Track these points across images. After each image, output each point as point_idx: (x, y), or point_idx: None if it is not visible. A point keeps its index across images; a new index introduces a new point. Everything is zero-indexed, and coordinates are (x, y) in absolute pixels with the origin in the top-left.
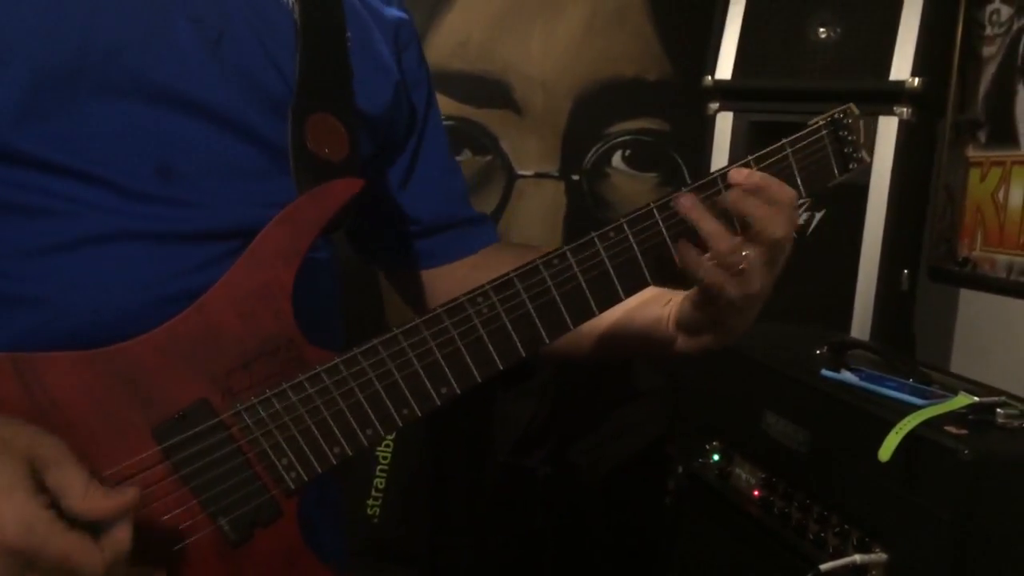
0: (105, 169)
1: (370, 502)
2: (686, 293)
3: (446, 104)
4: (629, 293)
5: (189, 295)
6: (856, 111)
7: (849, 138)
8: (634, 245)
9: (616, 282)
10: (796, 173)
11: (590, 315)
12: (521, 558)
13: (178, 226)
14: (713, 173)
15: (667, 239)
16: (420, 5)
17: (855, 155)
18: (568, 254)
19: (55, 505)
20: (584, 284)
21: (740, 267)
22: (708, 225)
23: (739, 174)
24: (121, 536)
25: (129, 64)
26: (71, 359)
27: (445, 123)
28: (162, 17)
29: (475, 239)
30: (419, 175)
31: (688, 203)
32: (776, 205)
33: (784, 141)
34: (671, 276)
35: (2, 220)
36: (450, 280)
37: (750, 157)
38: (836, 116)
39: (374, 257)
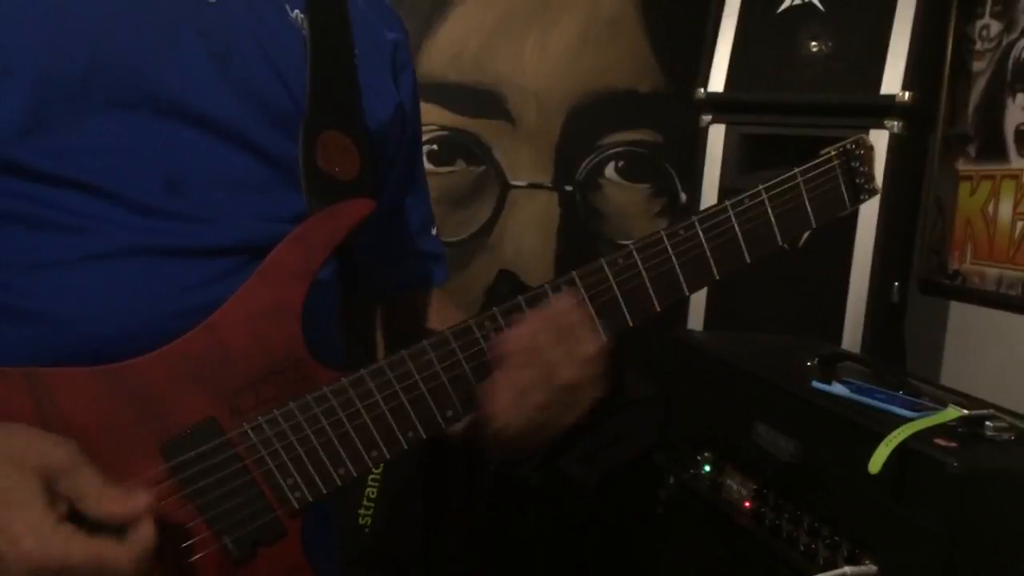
0: (113, 183)
1: (362, 512)
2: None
3: (440, 114)
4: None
5: (196, 311)
6: (868, 143)
7: (861, 169)
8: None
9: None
10: (807, 202)
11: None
12: (513, 567)
13: (185, 241)
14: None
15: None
16: (415, 16)
17: (866, 186)
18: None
19: (73, 511)
20: None
21: (542, 414)
22: (528, 372)
23: (563, 301)
24: (144, 533)
25: (137, 77)
26: (82, 375)
27: (439, 133)
28: (170, 31)
29: (429, 275)
30: (406, 201)
31: (516, 344)
32: (575, 348)
33: (796, 170)
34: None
35: (9, 233)
36: (402, 307)
37: (761, 186)
38: (848, 147)
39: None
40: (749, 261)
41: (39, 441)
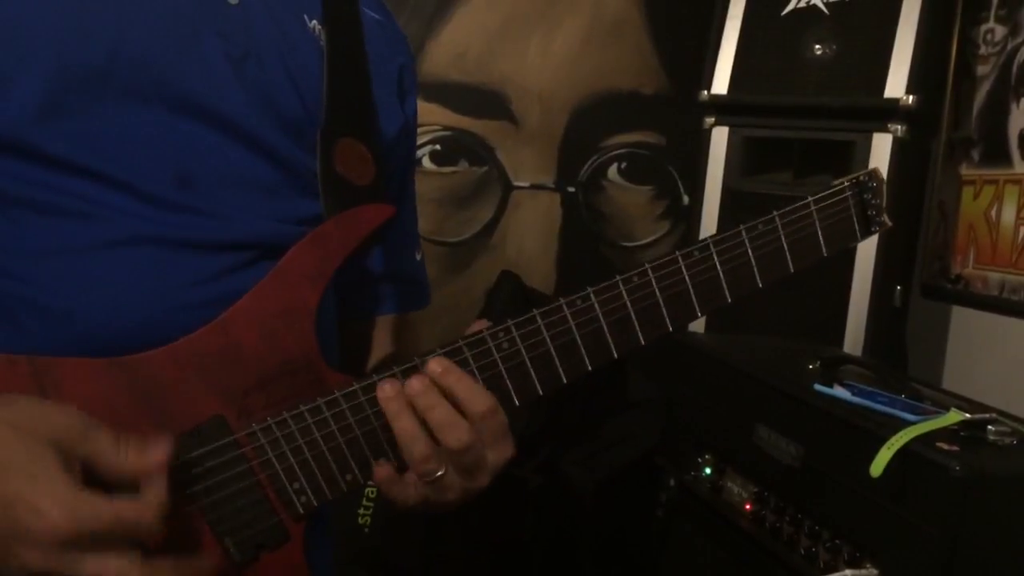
0: (125, 172)
1: (361, 511)
2: None
3: (444, 115)
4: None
5: (203, 304)
6: (881, 175)
7: (873, 201)
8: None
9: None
10: (819, 231)
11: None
12: (512, 568)
13: (194, 234)
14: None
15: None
16: (419, 16)
17: (878, 218)
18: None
19: (90, 477)
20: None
21: (432, 479)
22: (402, 423)
23: (437, 364)
24: (159, 489)
25: (155, 72)
26: (89, 366)
27: (442, 134)
28: (191, 29)
29: (409, 301)
30: (395, 223)
31: (388, 392)
32: (465, 413)
33: (809, 199)
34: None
35: (19, 218)
36: (370, 334)
37: (775, 213)
38: (861, 179)
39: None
40: (761, 286)
41: (45, 411)
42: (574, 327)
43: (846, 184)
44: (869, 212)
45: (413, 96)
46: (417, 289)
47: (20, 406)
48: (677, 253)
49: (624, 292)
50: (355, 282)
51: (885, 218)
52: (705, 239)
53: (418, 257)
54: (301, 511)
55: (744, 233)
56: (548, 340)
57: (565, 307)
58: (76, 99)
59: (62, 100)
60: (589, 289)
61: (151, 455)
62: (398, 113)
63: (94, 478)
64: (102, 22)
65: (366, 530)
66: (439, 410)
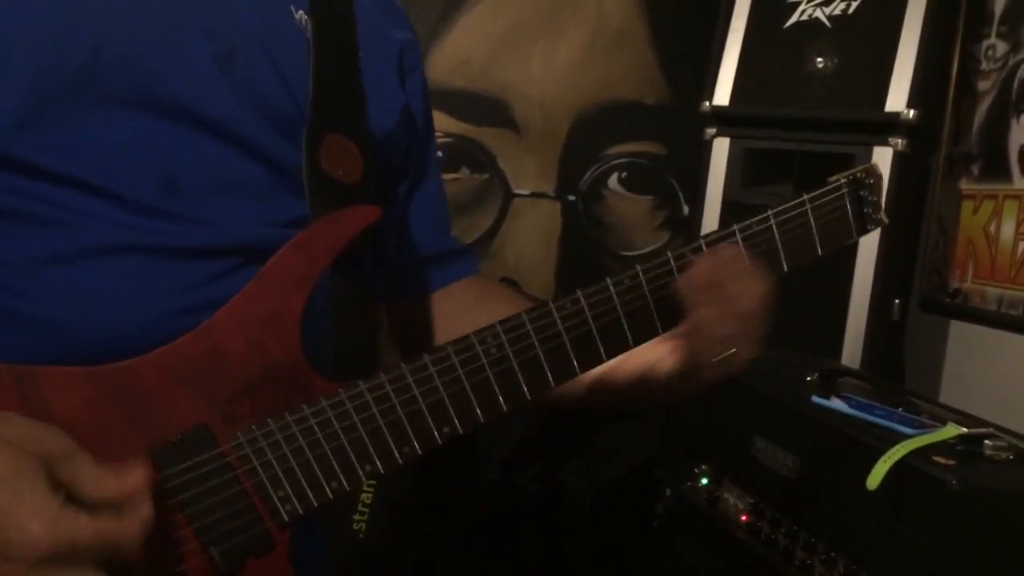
0: (109, 181)
1: (356, 517)
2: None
3: (446, 121)
4: (611, 355)
5: (191, 311)
6: (878, 171)
7: (869, 198)
8: (619, 307)
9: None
10: (814, 230)
11: (595, 363)
12: None
13: (181, 241)
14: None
15: (651, 304)
16: (422, 22)
17: (874, 216)
18: (580, 297)
19: (71, 496)
20: (595, 331)
21: (728, 348)
22: (711, 310)
23: (729, 248)
24: (144, 507)
25: (139, 75)
26: (72, 374)
27: (444, 140)
28: (175, 30)
29: (454, 271)
30: (417, 204)
31: (696, 280)
32: (749, 280)
33: (805, 197)
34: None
35: (3, 228)
36: (424, 312)
37: (770, 211)
38: (857, 175)
39: (354, 283)
40: None
41: (34, 428)
42: (563, 331)
43: (843, 181)
44: (866, 210)
45: (417, 75)
46: (467, 257)
47: (11, 422)
48: (669, 254)
49: (615, 295)
50: (411, 264)
51: (882, 215)
52: (698, 240)
53: (452, 234)
54: (287, 519)
55: (738, 233)
56: (537, 344)
57: (555, 311)
58: (56, 106)
59: (41, 108)
60: (578, 291)
61: (128, 479)
62: (398, 96)
63: (77, 500)
64: (82, 27)
65: (361, 536)
66: (735, 283)
